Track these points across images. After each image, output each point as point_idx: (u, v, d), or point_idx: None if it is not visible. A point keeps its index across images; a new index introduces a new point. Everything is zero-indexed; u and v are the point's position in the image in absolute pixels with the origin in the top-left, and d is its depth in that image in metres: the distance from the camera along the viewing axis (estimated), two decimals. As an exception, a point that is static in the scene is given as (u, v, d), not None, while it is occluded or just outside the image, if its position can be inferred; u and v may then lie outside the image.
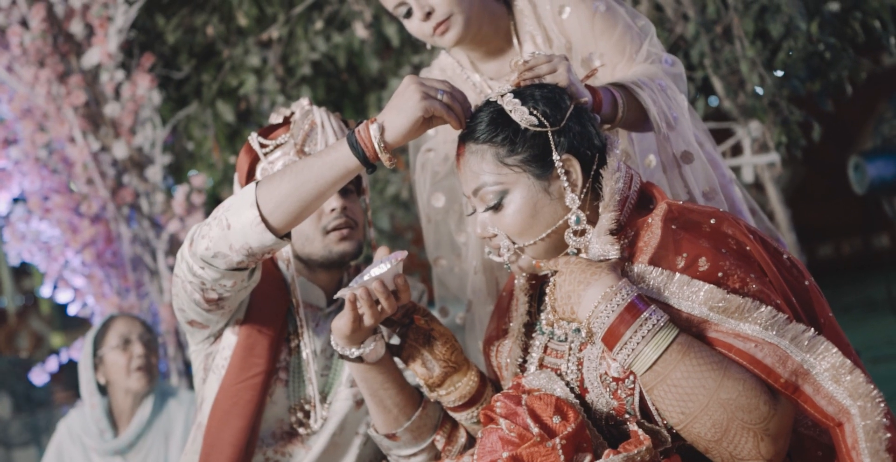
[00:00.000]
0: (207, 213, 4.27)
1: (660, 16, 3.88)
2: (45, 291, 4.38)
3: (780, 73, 3.63)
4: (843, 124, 6.97)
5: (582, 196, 1.78)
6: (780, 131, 3.65)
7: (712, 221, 1.72)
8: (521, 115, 1.76)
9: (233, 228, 1.89)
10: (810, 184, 9.38)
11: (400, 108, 1.78)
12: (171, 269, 4.18)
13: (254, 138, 2.27)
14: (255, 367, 2.18)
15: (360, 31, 3.99)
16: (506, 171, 1.77)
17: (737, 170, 3.97)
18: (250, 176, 2.27)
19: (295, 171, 1.85)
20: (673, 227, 1.71)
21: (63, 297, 4.33)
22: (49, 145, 4.24)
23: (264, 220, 1.86)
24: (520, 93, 1.80)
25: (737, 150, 4.09)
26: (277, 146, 2.25)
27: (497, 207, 1.79)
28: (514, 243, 1.81)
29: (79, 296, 4.34)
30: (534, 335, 1.94)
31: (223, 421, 2.17)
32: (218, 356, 2.24)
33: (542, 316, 1.94)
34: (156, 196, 4.23)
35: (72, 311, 4.39)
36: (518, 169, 1.76)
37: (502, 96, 1.80)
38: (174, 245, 4.26)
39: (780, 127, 3.64)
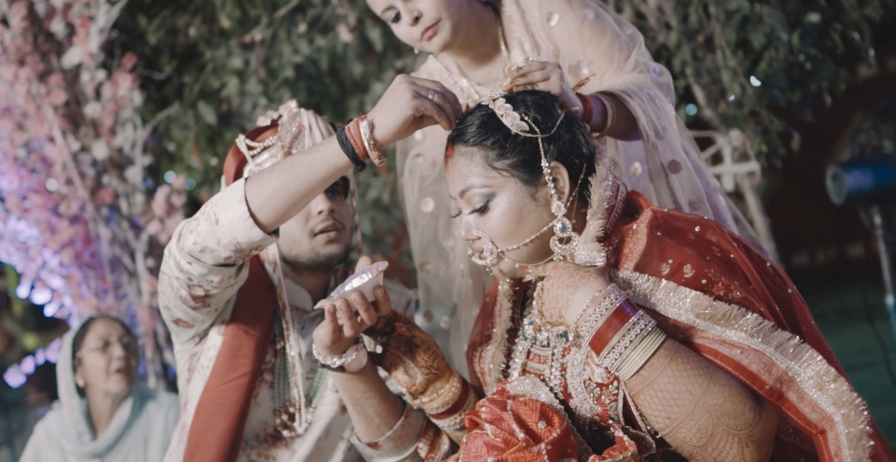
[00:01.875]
0: (188, 215, 4.24)
1: (642, 24, 3.90)
2: (22, 292, 4.34)
3: (759, 83, 3.64)
4: (819, 134, 7.04)
5: (568, 204, 1.78)
6: (761, 141, 3.67)
7: (697, 229, 1.73)
8: (512, 120, 1.77)
9: (221, 223, 1.89)
10: (786, 193, 9.45)
11: (390, 106, 1.78)
12: (150, 270, 4.17)
13: (241, 141, 2.27)
14: (240, 368, 2.17)
15: (344, 34, 3.98)
16: (494, 175, 1.78)
17: (717, 178, 3.99)
18: (237, 178, 2.25)
19: (284, 168, 1.85)
20: (658, 233, 1.72)
21: (40, 297, 4.29)
22: (28, 145, 4.21)
23: (252, 215, 1.87)
24: (512, 98, 1.81)
25: (717, 159, 4.11)
26: (265, 148, 2.24)
27: (483, 210, 1.79)
28: (496, 247, 1.81)
29: (56, 297, 4.30)
30: (517, 340, 1.94)
31: (208, 422, 2.16)
32: (203, 356, 2.22)
33: (526, 321, 1.94)
34: (135, 197, 4.20)
35: (49, 311, 4.35)
36: (506, 173, 1.77)
37: (494, 100, 1.81)
38: (153, 246, 4.23)
39: (761, 136, 3.66)
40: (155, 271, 4.24)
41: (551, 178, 1.77)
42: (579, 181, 1.80)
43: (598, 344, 1.63)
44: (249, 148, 2.25)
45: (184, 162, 4.50)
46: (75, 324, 4.22)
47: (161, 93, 4.53)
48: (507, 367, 1.94)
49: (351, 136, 1.80)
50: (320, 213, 2.23)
